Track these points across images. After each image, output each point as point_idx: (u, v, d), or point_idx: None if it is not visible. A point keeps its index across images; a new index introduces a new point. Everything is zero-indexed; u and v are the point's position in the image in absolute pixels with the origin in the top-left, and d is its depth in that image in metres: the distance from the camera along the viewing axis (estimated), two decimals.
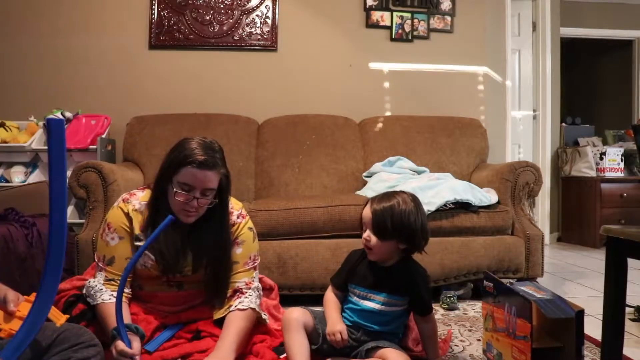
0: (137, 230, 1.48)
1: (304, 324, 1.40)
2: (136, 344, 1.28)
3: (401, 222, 1.39)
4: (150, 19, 3.17)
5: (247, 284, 1.53)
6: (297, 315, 1.40)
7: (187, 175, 1.39)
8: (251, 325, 1.47)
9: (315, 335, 1.42)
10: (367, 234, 1.42)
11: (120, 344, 1.24)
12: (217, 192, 1.46)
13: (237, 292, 1.51)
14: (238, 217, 1.57)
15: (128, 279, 1.49)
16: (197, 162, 1.38)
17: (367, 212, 1.44)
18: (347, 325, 1.44)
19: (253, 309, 1.47)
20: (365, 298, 1.46)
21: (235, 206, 1.59)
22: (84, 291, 1.48)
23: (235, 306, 1.46)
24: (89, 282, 1.48)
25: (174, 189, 1.40)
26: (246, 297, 1.49)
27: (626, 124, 4.83)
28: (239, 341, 1.39)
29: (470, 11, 3.42)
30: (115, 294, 1.41)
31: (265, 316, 1.54)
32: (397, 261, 1.46)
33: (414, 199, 1.46)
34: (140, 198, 1.52)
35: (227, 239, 1.52)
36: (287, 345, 1.37)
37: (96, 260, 1.51)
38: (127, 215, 1.49)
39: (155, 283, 1.52)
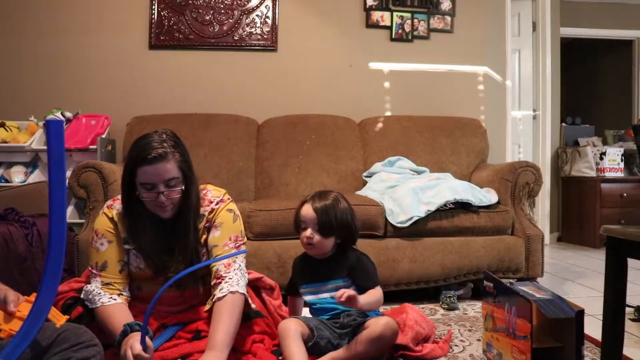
0: (123, 234, 1.48)
1: (300, 332, 1.43)
2: (151, 350, 1.26)
3: (342, 219, 1.55)
4: (150, 19, 3.17)
5: (226, 266, 1.46)
6: (294, 326, 1.44)
7: (143, 175, 1.38)
8: (238, 307, 1.40)
9: (310, 336, 1.46)
10: (309, 232, 1.54)
11: (138, 348, 1.21)
12: (183, 178, 1.43)
13: (218, 278, 1.45)
14: (217, 204, 1.54)
15: (127, 281, 1.50)
16: (146, 160, 1.36)
17: (309, 211, 1.54)
18: (326, 319, 1.55)
19: (233, 292, 1.40)
20: (317, 292, 1.58)
21: (216, 194, 1.56)
22: (82, 295, 1.47)
23: (217, 296, 1.41)
24: (86, 287, 1.47)
25: (138, 192, 1.40)
26: (225, 282, 1.42)
27: (626, 124, 4.83)
28: (231, 331, 1.35)
29: (470, 11, 3.42)
30: (114, 296, 1.42)
31: (253, 305, 1.51)
32: (332, 252, 1.59)
33: (345, 198, 1.62)
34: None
35: (192, 222, 1.48)
36: (287, 353, 1.39)
37: (90, 269, 1.51)
38: (111, 219, 1.49)
39: (153, 284, 1.52)
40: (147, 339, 1.25)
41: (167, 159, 1.38)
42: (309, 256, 1.62)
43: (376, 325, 1.44)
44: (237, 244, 1.52)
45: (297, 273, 1.65)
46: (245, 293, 1.45)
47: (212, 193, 1.56)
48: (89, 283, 1.49)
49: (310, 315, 1.61)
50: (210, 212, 1.53)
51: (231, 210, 1.55)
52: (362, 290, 1.52)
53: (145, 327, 1.22)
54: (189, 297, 1.55)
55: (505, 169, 2.56)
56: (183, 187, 1.43)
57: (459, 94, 3.40)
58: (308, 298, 1.61)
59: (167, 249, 1.47)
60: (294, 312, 1.71)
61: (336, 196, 1.59)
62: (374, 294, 1.52)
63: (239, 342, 1.44)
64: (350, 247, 1.62)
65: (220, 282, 1.43)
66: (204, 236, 1.52)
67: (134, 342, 1.22)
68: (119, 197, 1.53)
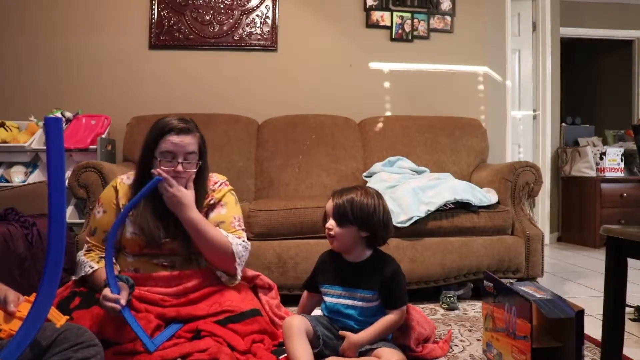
0: (123, 200, 1.56)
1: (305, 330, 1.41)
2: (124, 291, 1.34)
3: (361, 208, 1.47)
4: (150, 19, 3.17)
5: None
6: (299, 323, 1.42)
7: (167, 144, 1.49)
8: (223, 242, 1.53)
9: (316, 339, 1.44)
10: (329, 223, 1.50)
11: (106, 291, 1.31)
12: (199, 156, 1.55)
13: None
14: (220, 185, 1.67)
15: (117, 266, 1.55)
16: (175, 129, 1.49)
17: (329, 203, 1.52)
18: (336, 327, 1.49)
19: (231, 243, 1.54)
20: (341, 297, 1.51)
21: (219, 177, 1.70)
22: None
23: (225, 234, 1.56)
24: (77, 257, 1.58)
25: (159, 160, 1.48)
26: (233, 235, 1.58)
27: (626, 124, 4.83)
28: (210, 231, 1.50)
29: (470, 11, 3.42)
30: (92, 264, 1.50)
31: (239, 274, 1.59)
32: (368, 257, 1.53)
33: (377, 193, 1.54)
34: (131, 175, 1.63)
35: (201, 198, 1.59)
36: (291, 351, 1.38)
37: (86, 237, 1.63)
38: (114, 188, 1.59)
39: (149, 264, 1.57)
40: (121, 283, 1.35)
41: (193, 133, 1.53)
42: (342, 257, 1.54)
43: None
44: (241, 226, 1.64)
45: (323, 270, 1.57)
46: (236, 259, 1.55)
47: (216, 176, 1.70)
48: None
49: (321, 314, 1.57)
50: (214, 190, 1.64)
51: (233, 194, 1.69)
52: (385, 306, 1.50)
53: (112, 273, 1.33)
54: (183, 278, 1.57)
55: (505, 169, 2.56)
56: (200, 163, 1.53)
57: (459, 94, 3.40)
58: (329, 300, 1.53)
59: (165, 224, 1.54)
60: (305, 309, 1.65)
61: (363, 189, 1.52)
62: (383, 325, 1.47)
63: (238, 341, 1.44)
64: (389, 256, 1.55)
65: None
66: (206, 212, 1.62)
67: (105, 290, 1.32)
68: (131, 172, 1.63)
